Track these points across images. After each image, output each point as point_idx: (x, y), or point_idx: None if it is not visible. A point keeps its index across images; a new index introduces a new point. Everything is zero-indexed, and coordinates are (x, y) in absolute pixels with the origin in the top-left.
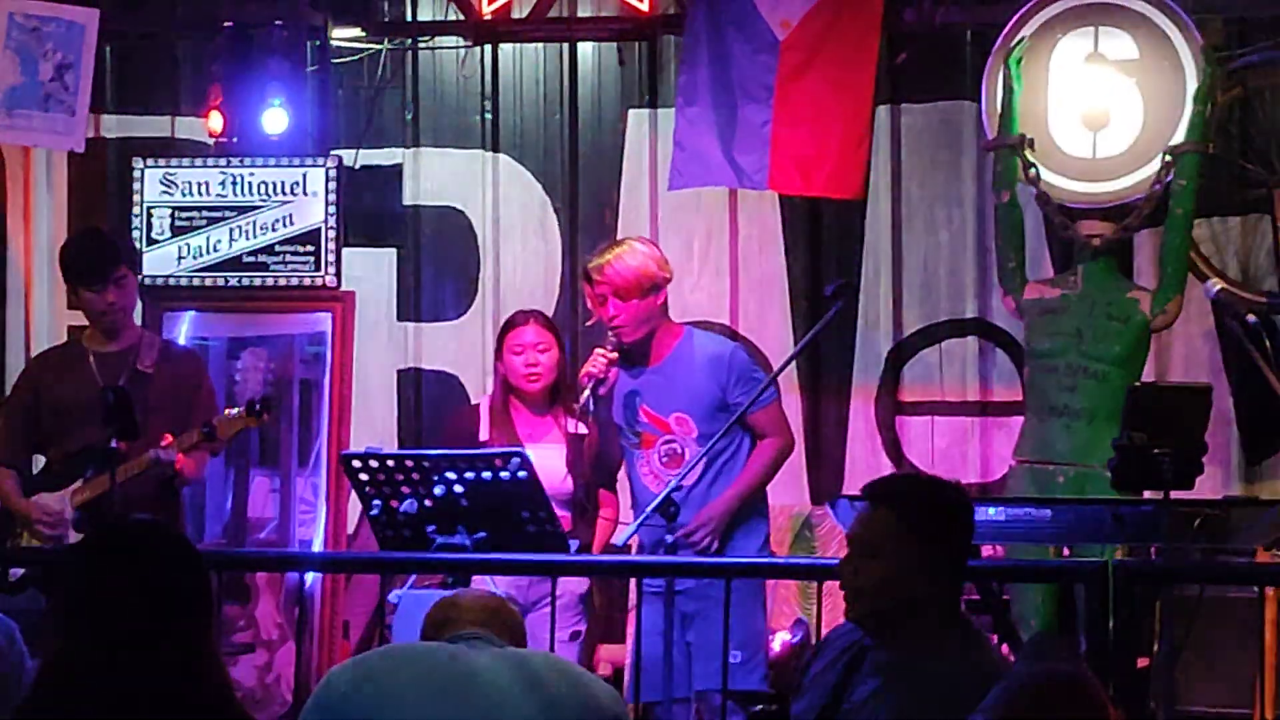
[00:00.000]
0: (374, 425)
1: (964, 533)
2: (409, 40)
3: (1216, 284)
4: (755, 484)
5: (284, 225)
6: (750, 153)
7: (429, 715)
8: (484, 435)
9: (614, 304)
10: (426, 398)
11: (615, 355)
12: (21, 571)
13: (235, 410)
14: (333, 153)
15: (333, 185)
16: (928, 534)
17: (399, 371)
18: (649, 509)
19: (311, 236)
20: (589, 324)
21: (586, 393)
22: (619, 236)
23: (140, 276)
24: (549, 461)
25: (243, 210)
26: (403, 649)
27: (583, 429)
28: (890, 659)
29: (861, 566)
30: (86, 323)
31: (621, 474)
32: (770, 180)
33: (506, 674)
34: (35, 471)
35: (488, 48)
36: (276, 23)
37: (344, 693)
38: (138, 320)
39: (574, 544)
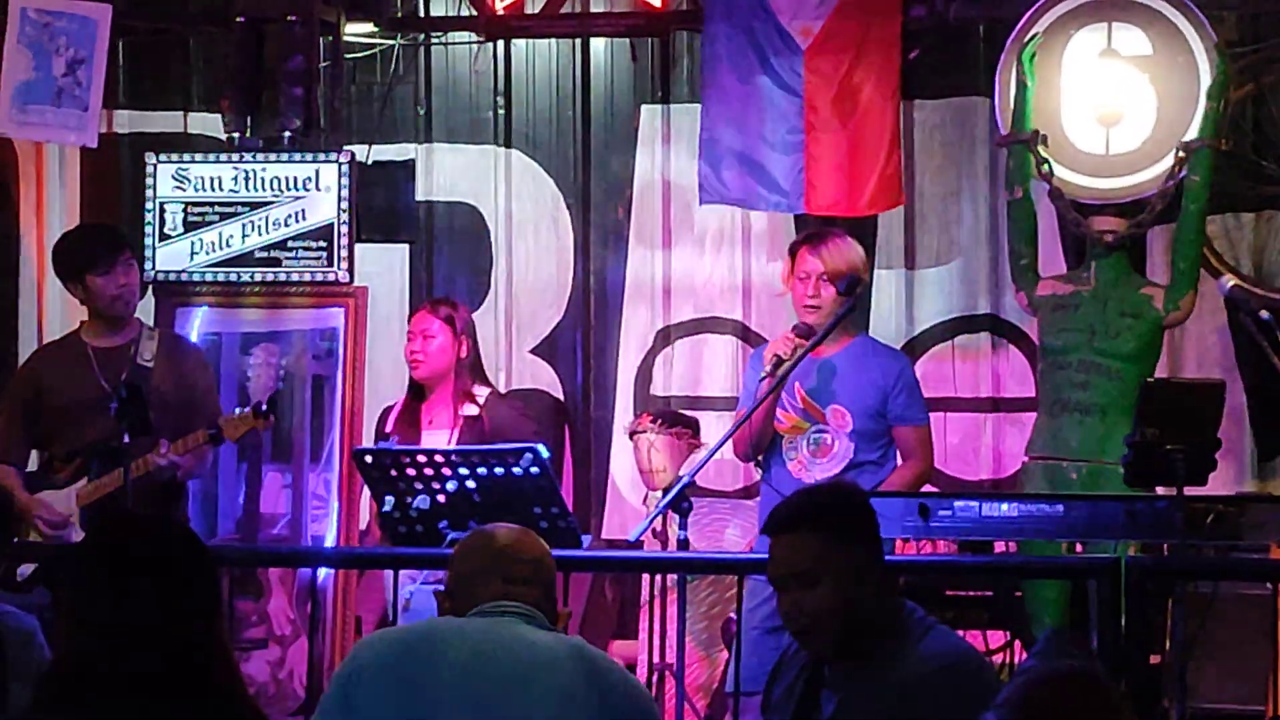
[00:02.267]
0: None
1: (875, 524)
2: (422, 36)
3: (1230, 280)
4: None
5: (296, 221)
6: (785, 174)
7: (476, 696)
8: (389, 427)
9: (816, 284)
10: None
11: (804, 340)
12: (30, 569)
13: (241, 411)
14: (345, 148)
15: (345, 181)
16: (853, 539)
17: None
18: (663, 503)
19: (324, 232)
20: (779, 294)
21: (768, 369)
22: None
23: (153, 272)
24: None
25: (255, 206)
26: (441, 626)
27: (474, 411)
28: (849, 672)
29: (805, 599)
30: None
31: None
32: (807, 203)
33: (562, 655)
34: (33, 469)
35: (500, 43)
36: (289, 18)
37: (378, 667)
38: (149, 316)
39: (586, 539)
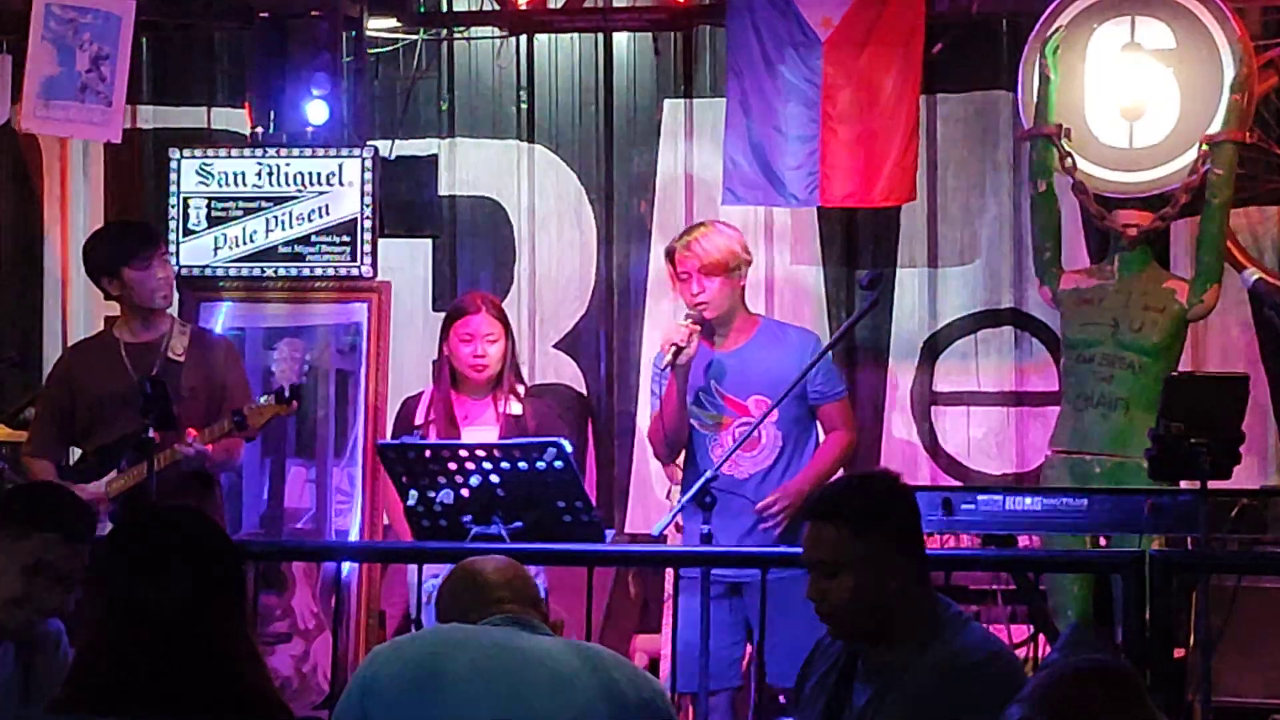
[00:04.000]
0: None
1: (909, 514)
2: (445, 30)
3: (1253, 273)
4: (825, 473)
5: (320, 216)
6: (800, 167)
7: (490, 699)
8: (419, 420)
9: (698, 281)
10: None
11: (697, 327)
12: None
13: (265, 398)
14: (369, 143)
15: (369, 175)
16: (878, 531)
17: (434, 361)
18: (685, 497)
19: (347, 227)
20: (679, 302)
21: (667, 358)
22: (698, 221)
23: (176, 267)
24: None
25: (279, 201)
26: (450, 633)
27: (518, 409)
28: (880, 664)
29: (828, 587)
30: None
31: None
32: (823, 195)
33: (570, 656)
34: (70, 463)
35: (523, 38)
36: (313, 13)
37: (390, 675)
38: (173, 311)
39: (609, 533)
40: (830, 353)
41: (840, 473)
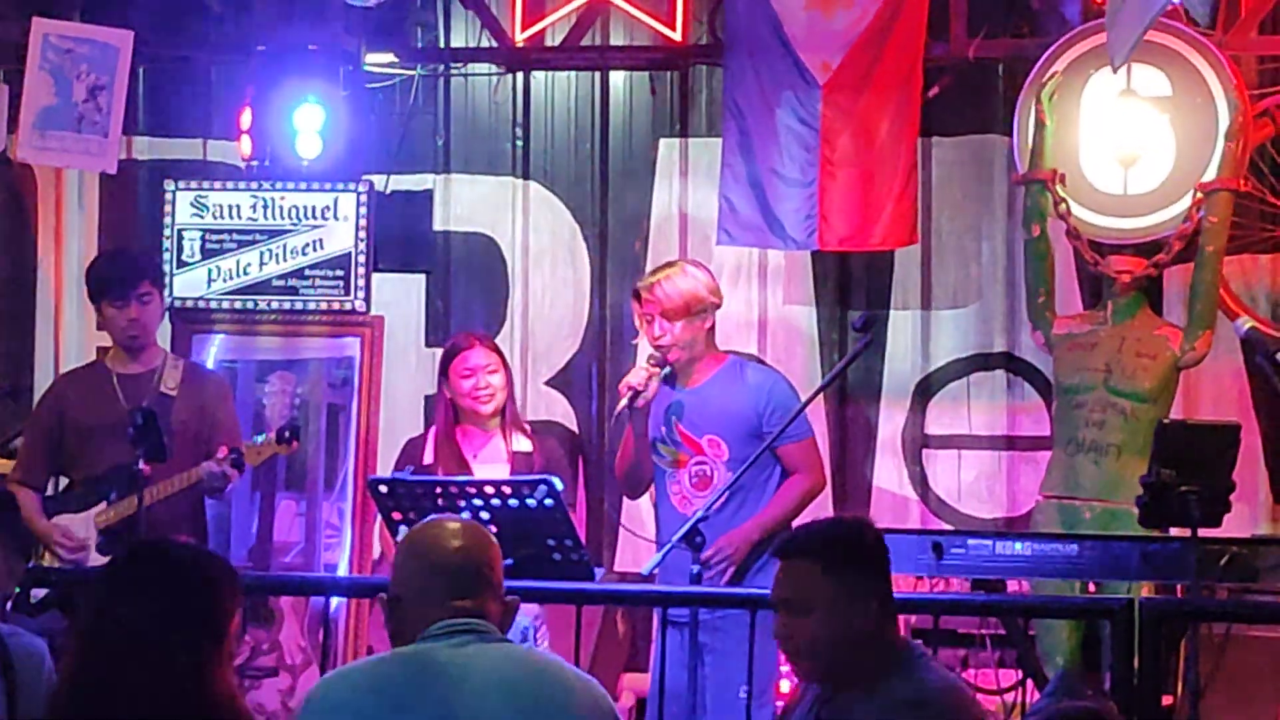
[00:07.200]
0: None
1: (878, 556)
2: (442, 66)
3: (1246, 321)
4: (780, 518)
5: (314, 249)
6: (798, 210)
7: None
8: (428, 460)
9: (661, 324)
10: None
11: (658, 370)
12: (44, 592)
13: (263, 437)
14: (364, 177)
15: (363, 210)
16: (847, 570)
17: (427, 397)
18: (675, 537)
19: (341, 261)
20: (634, 340)
21: (624, 402)
22: (670, 260)
23: (170, 298)
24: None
25: (273, 234)
26: (381, 670)
27: (527, 446)
28: (840, 706)
29: (796, 626)
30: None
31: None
32: (821, 239)
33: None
34: (55, 492)
35: (520, 75)
36: (310, 47)
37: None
38: (166, 342)
39: (599, 572)
40: (795, 394)
41: (802, 516)
